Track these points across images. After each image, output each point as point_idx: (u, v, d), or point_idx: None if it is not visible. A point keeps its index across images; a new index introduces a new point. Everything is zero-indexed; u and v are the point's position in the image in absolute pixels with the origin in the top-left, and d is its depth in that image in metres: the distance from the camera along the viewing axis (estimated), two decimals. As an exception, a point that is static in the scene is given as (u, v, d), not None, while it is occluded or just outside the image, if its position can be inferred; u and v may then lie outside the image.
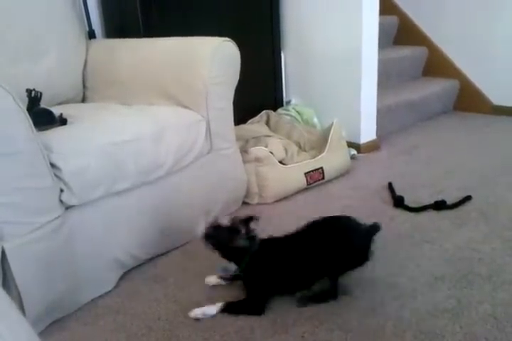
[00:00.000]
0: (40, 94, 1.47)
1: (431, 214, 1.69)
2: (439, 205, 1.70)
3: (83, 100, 1.94)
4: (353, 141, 2.35)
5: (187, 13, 2.10)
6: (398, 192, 1.85)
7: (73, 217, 1.21)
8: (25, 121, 1.09)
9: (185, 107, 1.61)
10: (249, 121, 2.37)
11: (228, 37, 1.62)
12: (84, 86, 1.93)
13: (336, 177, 2.05)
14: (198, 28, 2.14)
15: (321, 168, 1.93)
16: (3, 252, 1.08)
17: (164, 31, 2.01)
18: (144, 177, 1.37)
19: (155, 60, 1.71)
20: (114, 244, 1.32)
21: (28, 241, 1.11)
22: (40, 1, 1.77)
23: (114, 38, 2.08)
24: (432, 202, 1.73)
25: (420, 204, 1.74)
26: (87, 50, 1.93)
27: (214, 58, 1.56)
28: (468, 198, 1.76)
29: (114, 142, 1.30)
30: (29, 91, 1.44)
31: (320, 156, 1.95)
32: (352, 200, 1.84)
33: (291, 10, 2.44)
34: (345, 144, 2.08)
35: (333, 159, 1.99)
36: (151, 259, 1.49)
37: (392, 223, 1.64)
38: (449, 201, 1.74)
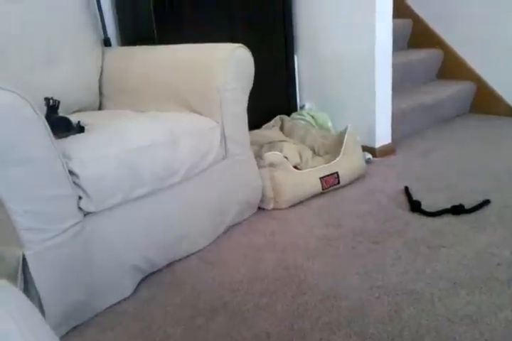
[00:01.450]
0: (58, 102, 1.49)
1: (448, 219, 1.67)
2: (457, 209, 1.69)
3: (99, 108, 1.97)
4: (368, 145, 2.34)
5: (200, 18, 2.12)
6: (415, 196, 1.83)
7: (91, 224, 1.23)
8: (43, 129, 1.11)
9: (200, 113, 1.63)
10: (264, 126, 2.38)
11: (241, 41, 1.64)
12: (100, 93, 1.96)
13: (352, 182, 2.04)
14: (211, 32, 2.16)
15: (336, 172, 1.92)
16: (24, 259, 1.10)
17: (178, 36, 2.05)
18: (160, 184, 1.39)
19: (168, 66, 1.73)
20: (131, 249, 1.34)
21: (48, 248, 1.13)
22: (56, 9, 1.80)
23: (129, 46, 2.11)
24: (450, 206, 1.72)
25: (437, 209, 1.72)
26: (102, 57, 1.97)
27: (227, 64, 1.57)
28: (486, 202, 1.74)
29: (131, 149, 1.32)
30: (47, 99, 1.47)
31: (335, 161, 1.95)
32: (368, 205, 1.83)
33: (304, 13, 2.45)
34: (360, 148, 2.07)
35: (348, 164, 1.98)
36: (168, 265, 1.50)
37: (409, 228, 1.63)
38: (467, 205, 1.72)
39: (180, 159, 1.45)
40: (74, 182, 1.19)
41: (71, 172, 1.18)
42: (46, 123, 1.12)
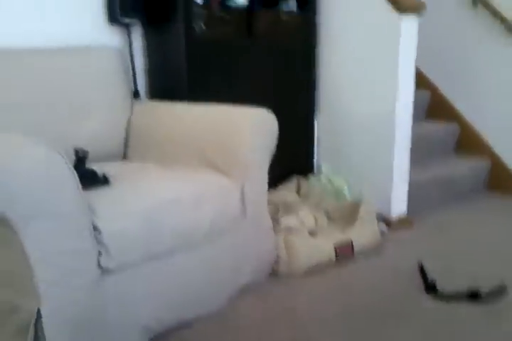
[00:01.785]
0: (87, 153, 1.53)
1: (464, 305, 1.63)
2: (474, 295, 1.64)
3: (123, 158, 2.01)
4: (383, 213, 2.33)
5: (229, 79, 2.20)
6: (429, 275, 1.80)
7: (108, 281, 1.23)
8: (75, 184, 1.14)
9: (222, 173, 1.65)
10: (280, 186, 2.40)
11: (265, 100, 1.68)
12: (125, 144, 2.00)
13: (365, 253, 2.01)
14: (238, 91, 2.22)
15: (351, 242, 1.92)
16: (39, 312, 1.08)
17: (206, 94, 2.11)
18: (179, 242, 1.39)
19: (196, 124, 1.78)
20: (145, 309, 1.32)
21: (65, 303, 1.13)
22: (91, 62, 1.89)
23: (157, 99, 2.19)
24: (466, 288, 1.67)
25: (453, 291, 1.67)
26: (131, 109, 2.03)
27: (254, 130, 1.63)
28: (503, 288, 1.69)
29: (153, 206, 1.34)
30: (76, 151, 1.50)
31: (349, 230, 1.94)
32: (380, 282, 1.79)
33: (327, 77, 2.52)
34: (375, 220, 2.07)
35: (362, 233, 1.98)
36: (178, 325, 1.46)
37: (421, 312, 1.58)
38: (485, 289, 1.68)
39: (201, 218, 1.46)
40: (96, 238, 1.19)
41: (94, 227, 1.19)
42: (77, 178, 1.15)
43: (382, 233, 2.21)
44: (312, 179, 2.50)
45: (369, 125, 2.37)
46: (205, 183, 1.56)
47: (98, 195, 1.30)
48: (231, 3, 2.19)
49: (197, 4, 2.06)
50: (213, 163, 1.68)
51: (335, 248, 1.87)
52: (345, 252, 1.90)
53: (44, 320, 1.09)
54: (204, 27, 2.11)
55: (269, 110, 1.69)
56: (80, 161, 1.50)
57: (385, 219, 2.32)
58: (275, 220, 1.85)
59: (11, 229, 1.05)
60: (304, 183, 2.37)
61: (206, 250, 1.50)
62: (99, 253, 1.20)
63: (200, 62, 2.10)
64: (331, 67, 2.51)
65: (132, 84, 2.20)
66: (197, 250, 1.47)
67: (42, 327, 1.10)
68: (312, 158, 2.67)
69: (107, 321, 1.22)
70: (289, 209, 2.05)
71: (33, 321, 1.10)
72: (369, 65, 2.32)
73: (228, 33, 2.19)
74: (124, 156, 2.01)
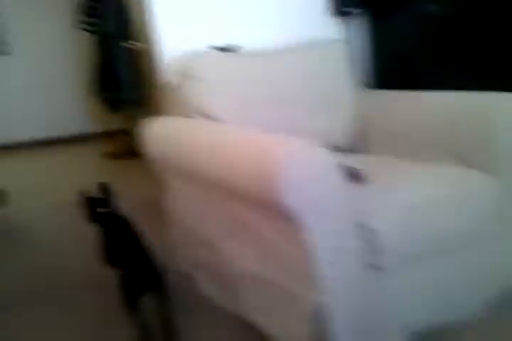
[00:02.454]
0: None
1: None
2: None
3: (354, 150, 2.01)
4: None
5: (470, 63, 2.02)
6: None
7: (376, 279, 1.24)
8: (346, 183, 1.17)
9: (475, 168, 1.52)
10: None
11: None
12: (356, 136, 2.00)
13: None
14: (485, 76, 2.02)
15: None
16: (321, 305, 1.16)
17: (440, 77, 1.97)
18: (437, 245, 1.34)
19: (442, 114, 1.68)
20: (408, 308, 1.31)
21: (344, 298, 1.18)
22: (324, 56, 1.92)
23: (383, 89, 2.12)
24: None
25: None
26: (360, 101, 2.00)
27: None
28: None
29: (417, 206, 1.30)
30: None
31: None
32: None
33: None
34: None
35: None
36: (436, 327, 1.41)
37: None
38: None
39: (459, 220, 1.37)
40: (367, 236, 1.21)
41: (366, 226, 1.21)
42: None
43: None
44: None
45: None
46: (457, 181, 1.46)
47: (363, 194, 1.31)
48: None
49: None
50: (466, 158, 1.56)
51: None
52: None
53: (326, 313, 1.17)
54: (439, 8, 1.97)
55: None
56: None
57: None
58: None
59: (295, 223, 1.14)
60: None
61: (465, 254, 1.42)
62: (371, 252, 1.22)
63: (435, 46, 1.98)
64: None
65: (360, 75, 2.19)
66: (455, 253, 1.40)
67: (325, 320, 1.17)
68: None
69: (374, 318, 1.25)
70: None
71: (317, 313, 1.18)
72: None
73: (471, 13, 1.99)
74: (355, 148, 2.01)
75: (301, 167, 1.06)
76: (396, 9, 2.06)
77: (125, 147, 4.45)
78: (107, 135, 4.89)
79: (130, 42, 3.03)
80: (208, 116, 1.66)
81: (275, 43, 1.94)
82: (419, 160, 1.67)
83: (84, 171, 4.05)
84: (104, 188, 1.51)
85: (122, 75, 3.35)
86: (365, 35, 2.25)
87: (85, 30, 3.49)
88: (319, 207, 1.11)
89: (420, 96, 1.82)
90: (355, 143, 1.97)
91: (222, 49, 1.76)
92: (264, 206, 1.20)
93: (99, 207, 1.48)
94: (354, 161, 1.67)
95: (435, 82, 1.99)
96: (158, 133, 1.68)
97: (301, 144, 1.09)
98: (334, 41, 1.99)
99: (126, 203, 2.10)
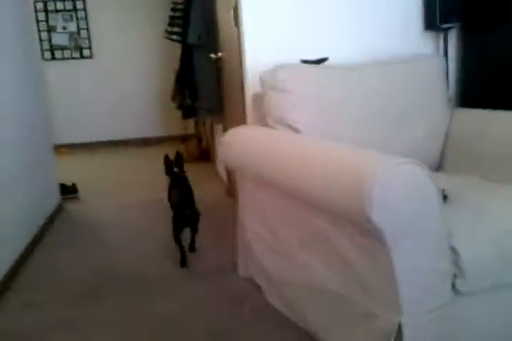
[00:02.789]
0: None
1: None
2: None
3: (437, 168, 1.96)
4: None
5: None
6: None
7: (461, 304, 1.19)
8: (439, 204, 1.13)
9: None
10: None
11: None
12: (441, 154, 1.94)
13: None
14: None
15: None
16: (400, 326, 1.13)
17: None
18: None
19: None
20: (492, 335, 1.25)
21: (423, 321, 1.14)
22: (415, 71, 1.88)
23: (470, 107, 2.05)
24: None
25: None
26: (450, 119, 1.95)
27: None
28: None
29: (508, 231, 1.24)
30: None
31: None
32: None
33: None
34: None
35: None
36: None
37: None
38: None
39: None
40: (453, 260, 1.17)
41: (452, 249, 1.17)
42: (442, 199, 1.14)
43: None
44: None
45: None
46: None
47: (449, 215, 1.27)
48: None
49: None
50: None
51: None
52: None
53: (405, 333, 1.14)
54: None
55: None
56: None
57: None
58: None
59: (381, 242, 1.12)
60: None
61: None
62: (455, 276, 1.18)
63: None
64: None
65: (450, 92, 2.13)
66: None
67: (402, 340, 1.14)
68: None
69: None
70: None
71: (393, 334, 1.16)
72: None
73: None
74: (438, 167, 1.96)
75: (398, 186, 1.04)
76: (491, 26, 1.99)
77: (195, 151, 4.59)
78: (179, 139, 5.06)
79: (213, 52, 3.14)
80: (291, 128, 1.67)
81: (365, 57, 1.94)
82: (507, 182, 1.60)
83: (155, 172, 4.20)
84: (179, 156, 2.34)
85: (200, 84, 3.46)
86: (457, 51, 2.20)
87: (171, 39, 3.65)
88: (412, 227, 1.09)
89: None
90: (436, 161, 1.92)
91: (312, 62, 1.77)
92: (350, 222, 1.19)
93: (173, 166, 2.29)
94: (440, 180, 1.63)
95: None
96: (241, 140, 1.72)
97: (398, 162, 1.06)
98: (433, 56, 1.95)
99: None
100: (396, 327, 1.13)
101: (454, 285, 1.17)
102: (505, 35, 1.91)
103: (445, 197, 1.44)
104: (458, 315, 1.19)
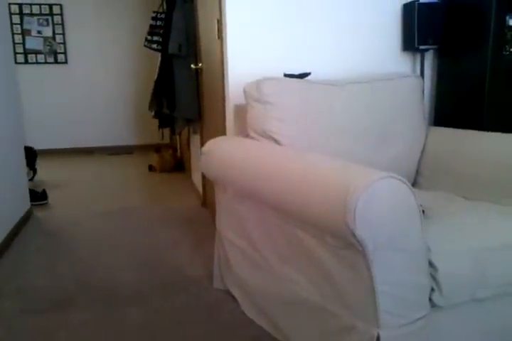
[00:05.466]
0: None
1: None
2: None
3: (412, 185, 2.00)
4: None
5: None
6: None
7: (436, 318, 1.22)
8: (420, 218, 1.16)
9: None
10: None
11: None
12: (416, 171, 2.00)
13: None
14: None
15: None
16: (379, 338, 1.14)
17: (506, 120, 1.97)
18: (506, 289, 1.30)
19: (507, 156, 1.66)
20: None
21: (400, 334, 1.15)
22: (395, 90, 1.93)
23: (442, 126, 2.12)
24: None
25: None
26: (426, 137, 2.01)
27: None
28: None
29: (483, 248, 1.28)
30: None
31: None
32: None
33: None
34: None
35: None
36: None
37: None
38: None
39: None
40: (431, 274, 1.20)
41: (430, 264, 1.20)
42: (421, 213, 1.17)
43: None
44: None
45: None
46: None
47: (427, 230, 1.30)
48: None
49: (509, 27, 1.94)
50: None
51: None
52: None
53: (383, 346, 1.15)
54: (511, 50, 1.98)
55: None
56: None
57: None
58: None
59: (362, 255, 1.14)
60: None
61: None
62: (432, 290, 1.20)
63: (502, 89, 1.98)
64: None
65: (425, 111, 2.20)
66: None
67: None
68: None
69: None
70: None
71: (372, 345, 1.17)
72: None
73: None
74: (413, 184, 2.01)
75: (382, 200, 1.06)
76: (465, 48, 2.07)
77: (170, 161, 4.56)
78: (153, 148, 5.02)
79: (193, 62, 3.14)
80: (273, 140, 1.69)
81: (346, 73, 1.99)
82: (480, 199, 1.66)
83: (125, 181, 4.15)
84: None
85: (179, 94, 3.45)
86: (433, 71, 2.28)
87: (151, 48, 3.64)
88: (394, 241, 1.10)
89: (488, 137, 1.81)
90: (411, 177, 1.97)
91: (295, 76, 1.80)
92: (332, 235, 1.20)
93: None
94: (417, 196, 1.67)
95: (497, 124, 1.98)
96: (222, 151, 1.72)
97: (382, 175, 1.08)
98: (412, 75, 2.00)
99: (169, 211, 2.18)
100: (374, 340, 1.14)
101: (430, 299, 1.20)
102: (479, 59, 1.99)
103: (422, 213, 1.49)
104: (435, 328, 1.22)
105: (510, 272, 1.29)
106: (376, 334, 1.14)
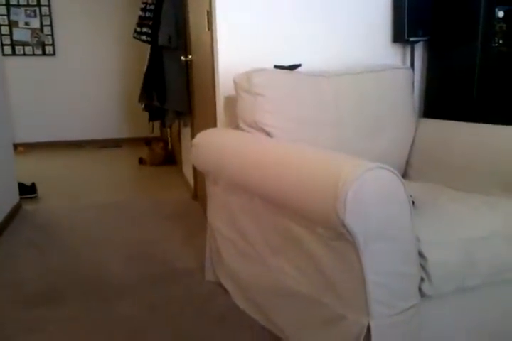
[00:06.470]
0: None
1: None
2: None
3: (402, 176, 2.02)
4: None
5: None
6: None
7: (426, 307, 1.23)
8: (409, 208, 1.17)
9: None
10: None
11: None
12: (406, 163, 2.01)
13: None
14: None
15: None
16: (369, 328, 1.15)
17: (496, 112, 1.98)
18: (494, 278, 1.32)
19: (496, 147, 1.67)
20: (456, 338, 1.29)
21: (390, 324, 1.16)
22: (386, 81, 1.93)
23: (432, 118, 2.13)
24: None
25: None
26: (416, 128, 2.02)
27: None
28: None
29: (472, 238, 1.29)
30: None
31: None
32: None
33: None
34: None
35: None
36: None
37: None
38: None
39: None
40: (420, 264, 1.21)
41: (420, 254, 1.21)
42: (411, 202, 1.18)
43: None
44: None
45: None
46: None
47: (416, 221, 1.31)
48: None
49: (498, 19, 1.95)
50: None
51: None
52: None
53: (373, 335, 1.16)
54: (501, 42, 1.99)
55: None
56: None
57: None
58: None
59: (352, 245, 1.14)
60: None
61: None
62: (422, 279, 1.21)
63: (492, 81, 1.99)
64: None
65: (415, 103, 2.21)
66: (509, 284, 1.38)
67: (370, 341, 1.16)
68: None
69: (420, 346, 1.24)
70: None
71: (362, 335, 1.18)
72: None
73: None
74: (403, 176, 2.02)
75: (372, 190, 1.06)
76: (455, 40, 2.08)
77: (161, 154, 4.54)
78: (143, 141, 4.99)
79: (183, 54, 3.12)
80: (263, 132, 1.69)
81: (336, 64, 1.99)
82: (470, 190, 1.67)
83: (115, 174, 4.12)
84: None
85: (169, 86, 3.43)
86: (423, 63, 2.29)
87: (140, 40, 3.60)
88: (384, 231, 1.11)
89: (477, 129, 1.82)
90: (402, 169, 1.98)
91: (285, 67, 1.79)
92: (322, 225, 1.20)
93: None
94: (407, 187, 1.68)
95: (487, 116, 1.99)
96: (213, 143, 1.71)
97: (373, 166, 1.08)
98: (402, 67, 1.99)
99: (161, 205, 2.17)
100: (365, 329, 1.15)
101: (420, 289, 1.21)
102: (469, 50, 2.00)
103: (412, 203, 1.49)
104: (425, 317, 1.23)
105: (498, 261, 1.31)
106: (367, 324, 1.15)
